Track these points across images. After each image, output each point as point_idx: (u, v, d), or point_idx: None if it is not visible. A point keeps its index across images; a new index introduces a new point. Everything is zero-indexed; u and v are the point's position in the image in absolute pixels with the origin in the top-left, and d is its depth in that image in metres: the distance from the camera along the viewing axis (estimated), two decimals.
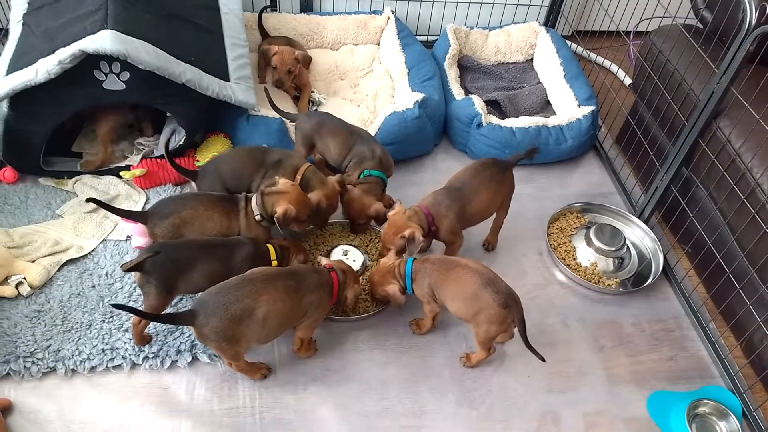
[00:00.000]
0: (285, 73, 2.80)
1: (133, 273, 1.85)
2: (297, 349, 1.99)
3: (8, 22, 2.48)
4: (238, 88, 2.46)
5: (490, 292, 1.82)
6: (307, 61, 2.91)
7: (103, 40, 2.09)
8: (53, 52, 2.13)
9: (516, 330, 1.91)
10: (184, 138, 2.48)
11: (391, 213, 2.11)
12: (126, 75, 2.23)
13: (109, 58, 2.15)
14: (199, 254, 1.88)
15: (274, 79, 2.83)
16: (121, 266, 1.84)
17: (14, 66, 2.22)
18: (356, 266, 2.22)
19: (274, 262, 1.99)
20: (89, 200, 2.04)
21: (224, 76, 2.46)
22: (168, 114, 2.49)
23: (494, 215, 2.33)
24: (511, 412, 1.97)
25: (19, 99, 2.21)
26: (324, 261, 2.00)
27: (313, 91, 2.97)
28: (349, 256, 2.25)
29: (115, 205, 2.39)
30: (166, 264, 1.83)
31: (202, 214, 2.02)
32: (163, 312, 1.89)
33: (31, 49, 2.25)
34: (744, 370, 2.10)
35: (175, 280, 1.84)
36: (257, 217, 2.06)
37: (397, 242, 2.03)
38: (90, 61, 2.14)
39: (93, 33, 2.12)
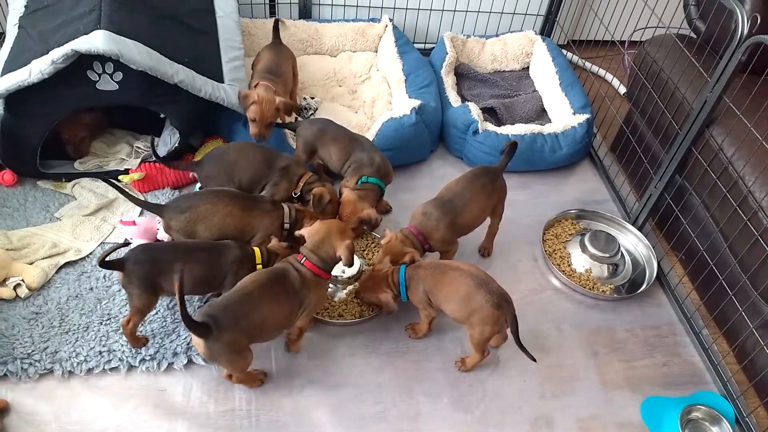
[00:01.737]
0: (265, 127, 2.41)
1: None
2: (294, 339, 2.00)
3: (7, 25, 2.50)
4: (231, 90, 2.48)
5: (483, 293, 1.85)
6: (288, 109, 2.50)
7: (96, 40, 2.12)
8: (47, 53, 2.15)
9: (509, 331, 1.93)
10: (179, 140, 2.49)
11: (384, 241, 2.13)
12: (119, 75, 2.25)
13: (102, 59, 2.18)
14: (181, 257, 1.88)
15: (253, 132, 2.41)
16: (97, 260, 1.86)
17: (9, 68, 2.24)
18: (353, 271, 2.24)
19: (259, 266, 1.98)
20: (105, 181, 2.06)
21: (218, 77, 2.48)
22: (161, 114, 2.50)
23: (489, 221, 2.35)
24: (505, 416, 1.98)
25: (14, 100, 2.24)
26: (305, 232, 1.90)
27: (305, 97, 2.99)
28: None
29: (113, 209, 2.42)
30: (146, 265, 1.84)
31: (222, 209, 2.04)
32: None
33: (25, 51, 2.28)
34: (737, 376, 2.12)
35: (157, 280, 1.85)
36: (286, 225, 2.13)
37: (383, 267, 2.05)
38: (83, 62, 2.17)
39: (86, 33, 2.15)
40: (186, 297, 2.09)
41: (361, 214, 2.25)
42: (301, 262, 1.85)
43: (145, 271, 1.84)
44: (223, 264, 1.93)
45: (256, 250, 2.01)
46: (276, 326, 1.83)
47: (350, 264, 1.85)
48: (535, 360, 1.92)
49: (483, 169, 2.24)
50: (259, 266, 1.99)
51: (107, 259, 1.82)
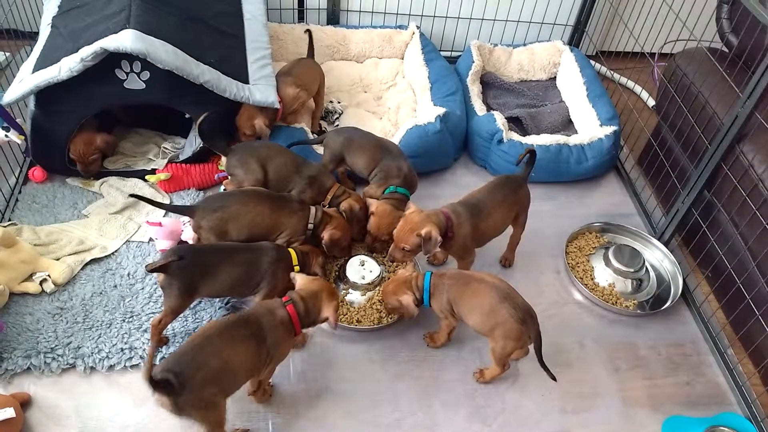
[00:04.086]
0: (243, 135, 2.55)
1: (155, 274, 1.88)
2: (253, 392, 1.88)
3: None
4: (256, 89, 2.49)
5: (508, 307, 1.82)
6: (263, 134, 2.52)
7: (124, 39, 2.15)
8: (77, 51, 2.19)
9: (531, 346, 1.91)
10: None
11: (408, 212, 2.07)
12: (146, 75, 2.28)
13: (130, 57, 2.21)
14: (223, 259, 1.91)
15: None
16: (145, 266, 1.87)
17: (40, 65, 2.29)
18: (372, 277, 2.24)
19: (297, 267, 2.02)
20: (132, 195, 2.11)
21: (244, 79, 2.50)
22: (187, 115, 2.53)
23: (511, 231, 2.33)
24: (523, 430, 1.95)
25: (44, 97, 2.29)
26: (299, 284, 1.85)
27: (331, 101, 3.01)
28: (366, 266, 2.27)
29: (139, 208, 2.46)
30: (191, 267, 1.86)
31: (252, 209, 2.07)
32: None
33: (56, 49, 2.32)
34: (762, 398, 2.07)
35: (198, 283, 1.88)
36: (310, 226, 2.15)
37: (413, 240, 1.99)
38: (111, 60, 2.20)
39: (115, 32, 2.19)
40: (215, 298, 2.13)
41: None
42: (285, 303, 1.74)
43: (188, 275, 1.86)
44: (262, 265, 1.95)
45: (291, 251, 2.04)
46: (243, 372, 1.68)
47: (335, 325, 1.80)
48: (555, 379, 1.89)
49: (506, 178, 2.22)
50: (297, 267, 2.01)
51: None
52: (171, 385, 1.51)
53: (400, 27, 3.33)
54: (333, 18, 3.38)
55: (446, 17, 3.38)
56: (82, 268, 2.21)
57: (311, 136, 2.68)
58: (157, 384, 1.49)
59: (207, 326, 1.67)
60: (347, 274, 2.24)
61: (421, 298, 1.97)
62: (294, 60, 2.83)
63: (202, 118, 2.27)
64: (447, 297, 1.93)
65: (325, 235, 2.15)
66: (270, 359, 1.72)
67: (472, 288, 1.90)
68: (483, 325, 1.88)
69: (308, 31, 2.88)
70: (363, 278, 2.23)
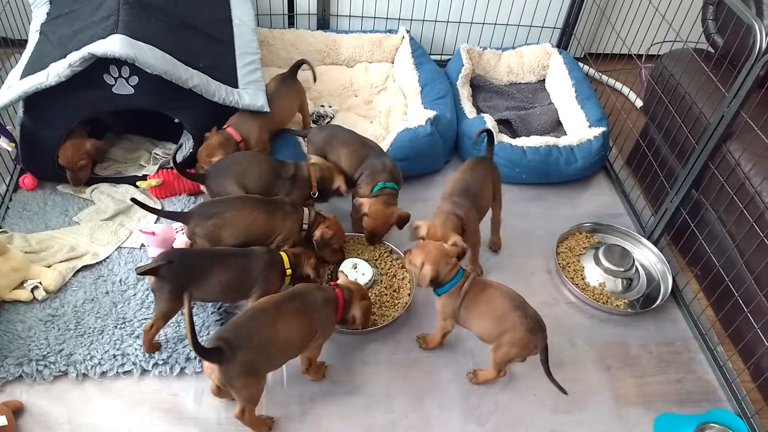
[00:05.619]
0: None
1: (147, 278, 1.88)
2: (305, 370, 1.98)
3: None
4: (245, 93, 2.49)
5: (519, 315, 1.84)
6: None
7: (112, 44, 2.15)
8: (65, 57, 2.19)
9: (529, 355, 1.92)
10: (194, 146, 2.51)
11: (422, 232, 2.03)
12: (135, 79, 2.28)
13: (119, 62, 2.21)
14: (214, 263, 1.91)
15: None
16: (135, 269, 1.87)
17: (28, 71, 2.29)
18: (365, 280, 2.25)
19: (289, 270, 2.03)
20: (133, 200, 2.13)
21: (233, 83, 2.50)
22: (176, 120, 2.52)
23: (491, 216, 2.40)
24: (516, 429, 1.96)
25: (33, 103, 2.29)
26: (341, 279, 2.02)
27: (322, 105, 3.02)
28: (359, 269, 2.28)
29: (130, 214, 2.46)
30: (181, 271, 1.86)
31: (247, 215, 2.09)
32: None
33: (45, 56, 2.32)
34: (751, 395, 2.09)
35: (189, 287, 1.87)
36: (304, 226, 2.18)
37: (452, 251, 1.94)
38: (100, 65, 2.20)
39: (103, 38, 2.19)
40: (208, 303, 2.13)
41: (391, 220, 2.27)
42: (333, 287, 1.93)
43: (179, 278, 1.86)
44: (254, 270, 1.96)
45: (283, 254, 2.05)
46: (291, 345, 1.79)
47: (363, 326, 1.98)
48: (566, 393, 1.90)
49: (478, 158, 2.32)
50: (289, 270, 2.03)
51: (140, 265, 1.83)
52: (222, 353, 1.60)
53: (390, 31, 3.34)
54: (323, 23, 3.39)
55: (435, 21, 3.40)
56: (73, 275, 2.20)
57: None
58: (207, 352, 1.59)
59: (261, 300, 1.79)
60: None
61: (443, 283, 1.91)
62: (274, 81, 2.65)
63: (174, 154, 2.31)
64: (460, 303, 1.91)
65: (317, 232, 2.16)
66: (317, 334, 1.84)
67: (487, 293, 1.90)
68: (492, 330, 1.89)
69: (307, 63, 2.72)
70: (355, 281, 2.23)
